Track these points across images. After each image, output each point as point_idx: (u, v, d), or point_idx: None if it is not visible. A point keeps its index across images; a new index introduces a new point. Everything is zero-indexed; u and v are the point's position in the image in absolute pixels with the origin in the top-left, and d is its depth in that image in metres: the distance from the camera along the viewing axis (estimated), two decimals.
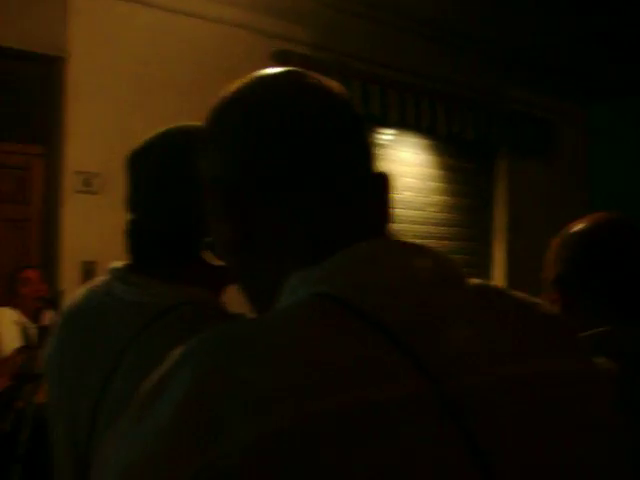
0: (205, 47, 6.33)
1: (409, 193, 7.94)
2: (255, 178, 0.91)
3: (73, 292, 5.03)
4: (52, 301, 4.39)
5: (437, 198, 8.25)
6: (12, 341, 4.91)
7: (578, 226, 1.72)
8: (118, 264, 1.49)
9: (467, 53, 7.97)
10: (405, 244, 0.89)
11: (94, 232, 5.74)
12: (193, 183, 1.41)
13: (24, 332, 4.97)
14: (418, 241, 0.90)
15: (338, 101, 0.95)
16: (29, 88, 5.84)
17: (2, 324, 4.95)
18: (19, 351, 4.87)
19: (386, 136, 7.74)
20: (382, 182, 0.97)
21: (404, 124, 7.61)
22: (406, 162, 7.95)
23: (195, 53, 6.29)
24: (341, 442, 0.70)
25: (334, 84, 0.98)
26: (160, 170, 1.47)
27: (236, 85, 0.98)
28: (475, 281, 0.91)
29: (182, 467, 0.70)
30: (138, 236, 1.48)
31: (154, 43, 6.09)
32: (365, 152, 0.95)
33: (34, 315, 5.01)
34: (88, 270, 5.73)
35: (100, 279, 1.53)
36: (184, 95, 6.13)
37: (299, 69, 0.98)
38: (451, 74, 7.88)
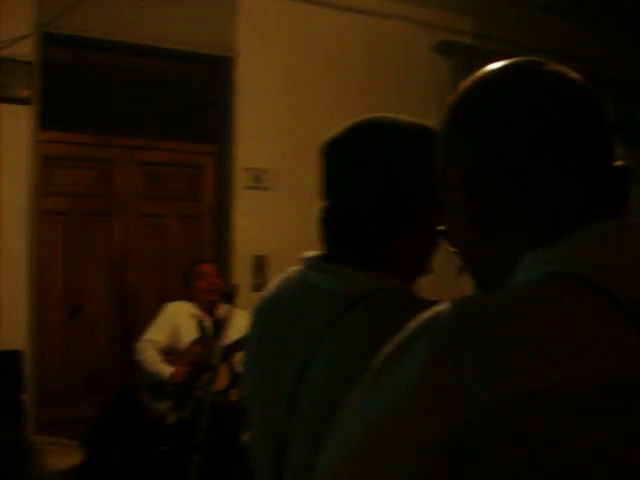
0: (368, 41, 6.37)
1: None
2: (499, 163, 0.93)
3: (246, 286, 5.16)
4: (228, 294, 4.50)
5: None
6: (189, 333, 5.09)
7: None
8: (312, 253, 1.52)
9: (635, 39, 7.68)
10: None
11: (264, 227, 5.88)
12: (392, 171, 1.45)
13: (200, 325, 5.13)
14: None
15: (581, 90, 0.96)
16: (200, 89, 6.05)
17: (181, 317, 5.13)
18: (196, 342, 5.03)
19: None
20: (623, 173, 0.96)
21: None
22: None
23: (359, 48, 6.33)
24: (577, 412, 0.72)
25: (575, 74, 0.98)
26: (360, 158, 1.48)
27: (477, 74, 1.00)
28: None
29: (423, 428, 0.74)
30: (334, 223, 1.50)
31: (319, 40, 6.18)
32: (606, 141, 0.96)
33: (209, 308, 5.17)
34: (259, 264, 5.87)
35: (293, 269, 1.57)
36: (350, 90, 6.19)
37: (539, 59, 0.99)
38: (619, 60, 7.61)
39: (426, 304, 1.35)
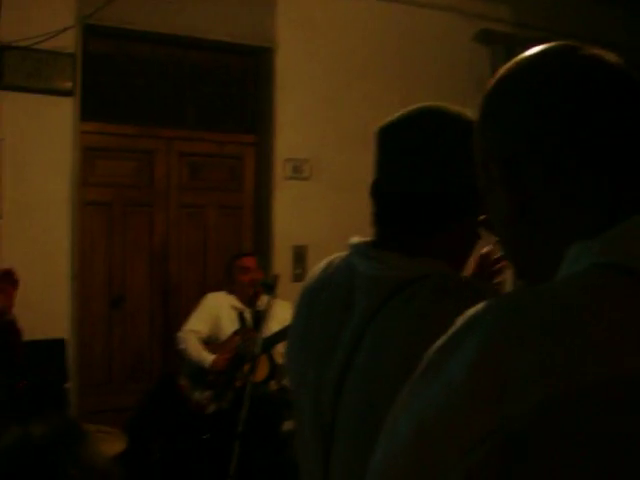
0: (408, 31, 6.33)
1: None
2: (536, 152, 0.90)
3: (286, 276, 5.16)
4: (269, 285, 4.51)
5: None
6: (230, 324, 5.11)
7: None
8: (358, 240, 1.51)
9: None
10: None
11: (304, 217, 5.89)
12: (449, 161, 1.44)
13: (240, 316, 5.15)
14: None
15: (620, 73, 0.92)
16: (240, 79, 6.06)
17: (221, 308, 5.16)
18: (236, 333, 5.06)
19: None
20: None
21: None
22: None
23: (398, 37, 6.30)
24: (632, 407, 0.71)
25: (613, 57, 0.95)
26: (419, 145, 1.46)
27: (513, 61, 0.98)
28: None
29: (474, 425, 0.73)
30: (386, 209, 1.50)
31: (359, 30, 6.15)
32: None
33: (250, 300, 5.18)
34: (299, 254, 5.88)
35: (337, 256, 1.57)
36: (389, 80, 6.17)
37: (575, 43, 0.96)
38: None
39: (477, 290, 1.35)
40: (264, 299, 4.74)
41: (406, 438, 0.79)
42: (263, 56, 5.98)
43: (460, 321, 0.82)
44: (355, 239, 1.52)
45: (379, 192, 1.50)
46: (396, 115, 1.52)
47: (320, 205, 5.91)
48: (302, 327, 1.56)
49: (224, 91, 6.00)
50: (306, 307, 1.57)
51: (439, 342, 0.82)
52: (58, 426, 1.20)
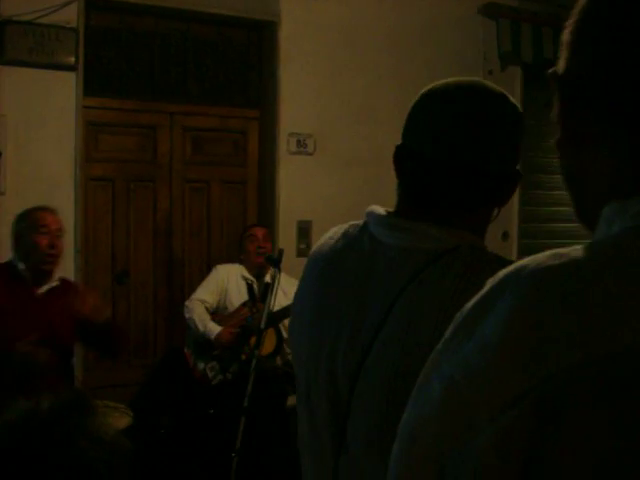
0: (412, 3, 6.28)
1: None
2: (598, 83, 0.84)
3: (291, 251, 5.15)
4: (275, 259, 4.52)
5: None
6: (239, 296, 5.12)
7: None
8: (377, 208, 1.48)
9: None
10: None
11: (309, 192, 5.87)
12: (508, 139, 1.44)
13: (250, 288, 5.16)
14: None
15: None
16: (243, 53, 6.02)
17: (230, 280, 5.17)
18: (244, 305, 5.07)
19: None
20: None
21: None
22: None
23: (402, 11, 6.25)
24: None
25: None
26: (474, 118, 1.43)
27: None
28: None
29: (507, 386, 0.72)
30: (420, 177, 1.45)
31: (362, 3, 6.10)
32: None
33: (258, 272, 5.19)
34: (303, 229, 5.87)
35: (353, 224, 1.54)
36: (394, 54, 6.13)
37: None
38: None
39: (507, 263, 1.33)
40: (271, 272, 4.76)
41: (436, 398, 0.78)
42: (267, 30, 5.93)
43: (493, 281, 0.80)
44: (376, 208, 1.49)
45: (418, 158, 1.44)
46: (444, 82, 1.47)
47: (324, 180, 5.89)
48: (314, 299, 1.53)
49: (228, 65, 5.97)
50: (318, 279, 1.53)
51: (471, 302, 0.81)
52: (66, 398, 1.19)
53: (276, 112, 5.85)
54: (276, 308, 4.50)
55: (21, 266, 3.82)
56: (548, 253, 0.79)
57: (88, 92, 5.29)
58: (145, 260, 5.69)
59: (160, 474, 4.69)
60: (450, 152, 1.41)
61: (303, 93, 5.88)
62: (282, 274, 4.52)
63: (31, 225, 3.84)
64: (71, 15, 5.07)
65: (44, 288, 3.85)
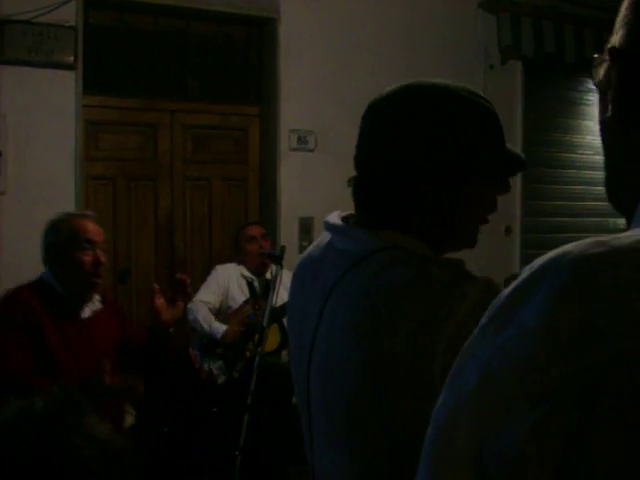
0: (412, 0, 6.28)
1: None
2: None
3: (293, 248, 5.14)
4: (276, 256, 4.52)
5: None
6: (240, 293, 5.13)
7: None
8: (334, 216, 1.54)
9: None
10: None
11: (310, 189, 5.86)
12: (418, 139, 1.42)
13: (251, 286, 5.16)
14: None
15: None
16: (243, 50, 6.01)
17: (231, 278, 5.17)
18: (246, 302, 5.07)
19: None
20: None
21: None
22: None
23: (402, 6, 6.24)
24: None
25: None
26: (379, 125, 1.47)
27: None
28: None
29: (546, 374, 0.70)
30: (356, 187, 1.51)
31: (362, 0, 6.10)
32: None
33: (258, 270, 5.19)
34: (305, 226, 5.87)
35: (325, 233, 1.60)
36: (395, 50, 6.12)
37: None
38: None
39: (425, 262, 1.38)
40: (272, 269, 4.76)
41: (472, 385, 0.76)
42: (267, 26, 5.92)
43: (531, 268, 0.78)
44: (332, 215, 1.55)
45: (358, 166, 1.52)
46: (388, 87, 1.51)
47: (325, 176, 5.87)
48: (291, 303, 1.65)
49: (228, 62, 5.96)
50: (295, 284, 1.63)
51: (509, 289, 0.79)
52: (60, 397, 1.18)
53: (277, 109, 5.84)
54: (279, 303, 4.49)
55: (57, 286, 3.20)
56: (589, 241, 0.77)
57: (88, 91, 5.28)
58: (146, 259, 5.68)
59: (164, 472, 4.68)
60: (377, 158, 1.47)
61: (304, 89, 5.87)
62: (284, 271, 4.51)
63: (71, 238, 3.21)
64: (70, 14, 5.06)
65: (86, 312, 3.26)
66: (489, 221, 1.51)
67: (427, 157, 1.41)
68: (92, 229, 3.29)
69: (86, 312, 3.24)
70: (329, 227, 1.52)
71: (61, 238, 3.20)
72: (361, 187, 1.50)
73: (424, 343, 1.27)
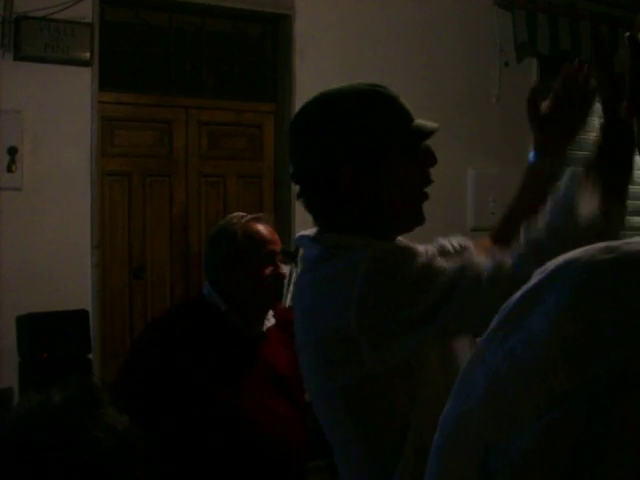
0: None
1: None
2: None
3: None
4: (291, 254, 4.50)
5: None
6: None
7: None
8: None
9: None
10: None
11: None
12: (324, 150, 1.61)
13: None
14: None
15: None
16: (258, 47, 6.02)
17: None
18: None
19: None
20: None
21: None
22: None
23: (418, 3, 6.22)
24: None
25: None
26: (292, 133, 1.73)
27: None
28: None
29: (554, 382, 0.70)
30: (299, 198, 1.71)
31: None
32: None
33: None
34: None
35: None
36: (411, 46, 6.10)
37: None
38: None
39: (350, 255, 1.53)
40: (287, 268, 4.74)
41: (480, 391, 0.76)
42: (282, 23, 5.92)
43: (541, 273, 0.77)
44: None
45: (293, 180, 1.74)
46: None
47: None
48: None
49: (243, 59, 5.96)
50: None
51: (519, 293, 0.78)
52: (78, 390, 1.19)
53: (291, 105, 5.83)
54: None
55: (222, 305, 2.54)
56: (599, 246, 0.76)
57: (103, 87, 5.30)
58: (162, 255, 5.69)
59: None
60: (300, 170, 1.68)
61: (318, 86, 5.75)
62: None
63: (251, 247, 2.57)
64: (86, 10, 5.08)
65: (257, 330, 2.59)
66: (428, 196, 1.61)
67: (336, 148, 1.58)
68: (270, 234, 2.66)
69: (257, 331, 2.60)
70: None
71: (237, 247, 2.55)
72: (300, 198, 1.67)
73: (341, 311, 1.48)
